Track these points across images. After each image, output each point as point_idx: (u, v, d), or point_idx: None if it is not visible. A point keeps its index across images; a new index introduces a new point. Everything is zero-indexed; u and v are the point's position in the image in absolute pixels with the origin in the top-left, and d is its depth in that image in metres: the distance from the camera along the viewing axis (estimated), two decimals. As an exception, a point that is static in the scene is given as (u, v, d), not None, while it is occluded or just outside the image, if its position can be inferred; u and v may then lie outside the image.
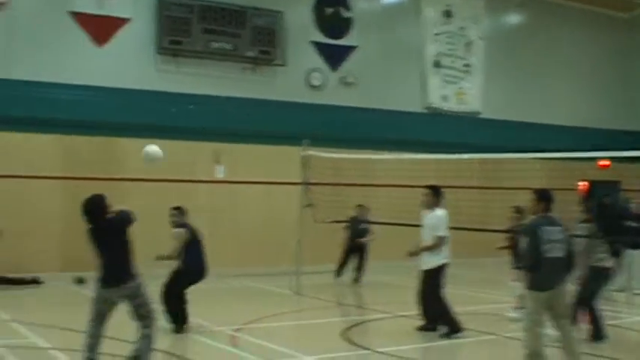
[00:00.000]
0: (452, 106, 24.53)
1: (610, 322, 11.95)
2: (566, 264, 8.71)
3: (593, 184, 27.34)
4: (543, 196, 8.82)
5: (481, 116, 25.11)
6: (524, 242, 8.76)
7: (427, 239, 11.49)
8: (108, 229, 8.51)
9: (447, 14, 24.79)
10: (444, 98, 24.39)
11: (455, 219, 17.84)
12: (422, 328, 11.66)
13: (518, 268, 11.94)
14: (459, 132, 23.85)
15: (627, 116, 28.58)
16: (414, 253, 11.61)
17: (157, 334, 8.78)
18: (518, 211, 13.22)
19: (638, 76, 29.00)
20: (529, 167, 21.44)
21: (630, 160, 24.61)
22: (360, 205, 18.38)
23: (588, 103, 27.86)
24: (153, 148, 10.64)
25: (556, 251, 8.55)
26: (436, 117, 24.20)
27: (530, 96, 26.25)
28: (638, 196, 27.71)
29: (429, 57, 24.28)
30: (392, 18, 23.81)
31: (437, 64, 24.35)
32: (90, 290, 15.82)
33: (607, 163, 25.59)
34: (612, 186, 27.97)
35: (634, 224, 16.74)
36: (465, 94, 24.84)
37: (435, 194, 11.70)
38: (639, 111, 28.74)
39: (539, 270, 8.52)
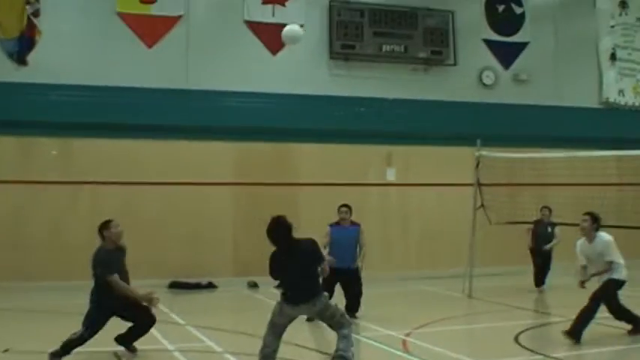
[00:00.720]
0: (629, 100, 23.78)
1: None
2: None
3: None
4: None
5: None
6: None
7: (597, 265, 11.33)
8: (301, 251, 8.90)
9: (623, 5, 24.06)
10: (621, 92, 23.68)
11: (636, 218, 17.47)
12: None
13: None
14: (637, 127, 23.07)
15: None
16: (583, 283, 11.50)
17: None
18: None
19: None
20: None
21: None
22: (545, 207, 17.77)
23: None
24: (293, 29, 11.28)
25: None
26: (613, 112, 23.50)
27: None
28: None
29: (605, 50, 23.63)
30: (565, 12, 23.29)
31: (613, 57, 23.66)
32: (262, 295, 16.54)
33: None
34: None
35: None
36: (642, 87, 24.05)
37: (594, 221, 11.48)
38: None
39: None
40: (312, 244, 9.06)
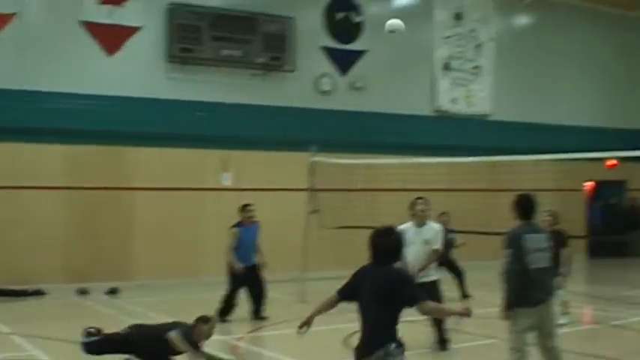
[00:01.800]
0: (461, 108, 24.61)
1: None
2: (551, 274, 8.40)
3: (600, 185, 27.47)
4: (524, 202, 8.32)
5: (490, 118, 25.17)
6: (505, 253, 8.16)
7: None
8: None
9: (458, 16, 24.87)
10: (454, 101, 24.48)
11: (463, 222, 18.12)
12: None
13: (560, 274, 11.99)
14: (468, 135, 23.94)
15: (635, 115, 28.56)
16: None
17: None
18: (553, 215, 13.08)
19: (640, 75, 28.98)
20: (539, 169, 21.51)
21: (637, 159, 24.83)
22: (443, 213, 17.07)
23: (597, 102, 27.88)
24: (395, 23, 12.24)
25: (542, 261, 8.15)
26: (445, 120, 24.27)
27: (539, 97, 26.31)
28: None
29: (439, 60, 24.37)
30: (403, 21, 23.74)
31: (446, 67, 24.44)
32: (92, 301, 16.24)
33: (614, 162, 25.59)
34: (618, 186, 28.12)
35: None
36: (475, 96, 24.90)
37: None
38: None
39: (525, 283, 8.02)
40: None
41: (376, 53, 23.11)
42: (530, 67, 26.25)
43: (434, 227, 11.33)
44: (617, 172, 26.56)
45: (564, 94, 27.09)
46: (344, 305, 6.65)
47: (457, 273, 17.14)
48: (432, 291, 10.22)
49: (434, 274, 11.20)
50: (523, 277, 7.99)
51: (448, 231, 16.02)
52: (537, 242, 8.10)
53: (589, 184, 27.00)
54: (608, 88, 28.39)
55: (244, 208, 14.46)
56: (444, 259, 15.50)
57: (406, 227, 10.83)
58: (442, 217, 16.54)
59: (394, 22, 12.06)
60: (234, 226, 14.33)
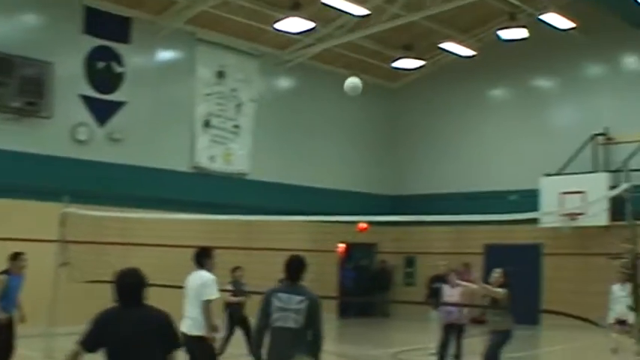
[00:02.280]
0: (219, 166, 24.70)
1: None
2: (298, 336, 8.04)
3: (352, 247, 28.43)
4: (288, 262, 8.36)
5: (249, 177, 25.43)
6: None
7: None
8: None
9: (220, 75, 25.05)
10: (212, 158, 24.52)
11: (219, 280, 18.04)
12: None
13: None
14: (225, 193, 24.01)
15: (390, 182, 29.89)
16: None
17: None
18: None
19: (401, 144, 30.48)
20: (293, 229, 21.94)
21: (387, 224, 26.02)
22: (238, 268, 16.78)
23: (354, 167, 28.96)
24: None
25: (288, 321, 8.03)
26: (203, 177, 24.25)
27: (297, 159, 26.94)
28: (392, 258, 29.16)
29: (199, 116, 24.38)
30: (165, 76, 23.76)
31: (206, 124, 24.49)
32: None
33: (365, 226, 26.60)
34: (369, 248, 29.28)
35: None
36: (233, 155, 25.10)
37: None
38: (401, 177, 30.13)
39: (269, 340, 8.12)
40: None
41: (136, 105, 22.82)
42: (289, 130, 26.90)
43: (203, 276, 10.99)
44: (368, 235, 27.60)
45: (322, 158, 27.91)
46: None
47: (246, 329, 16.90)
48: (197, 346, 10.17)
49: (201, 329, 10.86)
50: (266, 334, 8.13)
51: (241, 285, 16.39)
52: (287, 302, 8.05)
53: (341, 246, 27.84)
54: (365, 154, 29.60)
55: (17, 256, 13.69)
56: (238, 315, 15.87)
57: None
58: (236, 272, 16.60)
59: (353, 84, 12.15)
60: (2, 273, 13.51)
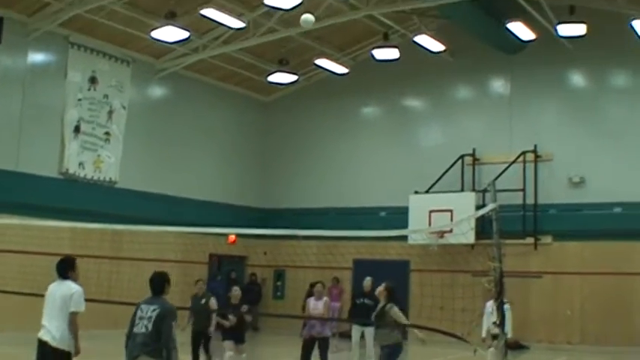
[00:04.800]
0: (89, 173, 24.17)
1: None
2: (146, 341, 8.92)
3: (222, 259, 28.34)
4: (151, 279, 9.34)
5: (118, 186, 24.99)
6: None
7: None
8: None
9: (93, 80, 24.57)
10: (81, 165, 23.98)
11: (85, 290, 17.65)
12: None
13: None
14: (94, 200, 23.49)
15: (259, 194, 29.92)
16: None
17: None
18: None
19: (273, 157, 30.58)
20: (163, 240, 21.73)
21: (257, 237, 26.08)
22: (200, 280, 16.71)
23: (225, 179, 28.89)
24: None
25: (141, 328, 8.94)
26: (72, 184, 23.68)
27: (169, 169, 26.67)
28: (262, 271, 29.18)
29: (70, 122, 23.79)
30: (35, 78, 23.12)
31: (77, 130, 23.93)
32: None
33: (234, 238, 26.59)
34: (239, 261, 29.24)
35: (367, 301, 17.06)
36: (103, 162, 24.62)
37: None
38: (272, 190, 30.20)
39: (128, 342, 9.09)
40: None
41: (4, 107, 22.25)
42: (161, 139, 26.62)
43: (71, 287, 10.47)
44: (238, 248, 27.55)
45: (194, 168, 27.74)
46: None
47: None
48: None
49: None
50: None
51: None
52: (145, 312, 9.02)
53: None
54: (237, 166, 29.59)
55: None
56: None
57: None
58: (199, 285, 16.48)
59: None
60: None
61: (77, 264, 10.56)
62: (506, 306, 14.53)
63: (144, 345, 8.84)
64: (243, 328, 15.37)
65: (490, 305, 15.19)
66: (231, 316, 14.91)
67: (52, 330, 10.20)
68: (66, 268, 10.45)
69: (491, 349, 15.43)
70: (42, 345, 10.09)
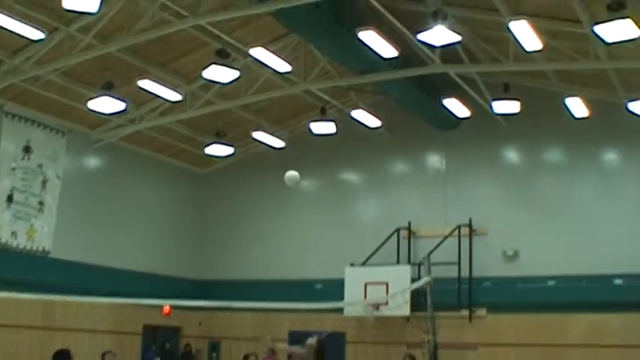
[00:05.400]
0: (21, 243, 23.79)
1: None
2: None
3: (156, 330, 27.98)
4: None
5: (51, 256, 24.59)
6: None
7: None
8: None
9: (27, 150, 24.33)
10: (14, 234, 23.63)
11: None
12: None
13: None
14: (27, 270, 23.08)
15: (195, 266, 29.74)
16: None
17: None
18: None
19: (209, 229, 30.48)
20: (96, 311, 21.44)
21: (192, 309, 25.90)
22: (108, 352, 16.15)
23: (161, 250, 28.63)
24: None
25: None
26: (5, 253, 23.23)
27: (103, 239, 26.37)
28: (197, 342, 28.89)
29: (3, 191, 23.43)
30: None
31: (9, 199, 23.60)
32: None
33: (169, 309, 26.38)
34: (174, 332, 28.91)
35: None
36: (36, 232, 24.26)
37: None
38: (208, 262, 30.03)
39: None
40: None
41: None
42: (96, 209, 26.33)
43: None
44: (172, 319, 27.26)
45: (129, 240, 27.45)
46: None
47: None
48: None
49: None
50: None
51: None
52: None
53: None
54: (173, 237, 29.38)
55: None
56: None
57: None
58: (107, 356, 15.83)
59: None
60: None
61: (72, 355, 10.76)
62: None
63: None
64: None
65: None
66: None
67: None
68: None
69: None
70: None
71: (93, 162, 27.15)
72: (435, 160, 27.76)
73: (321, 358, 12.74)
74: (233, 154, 28.67)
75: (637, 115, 22.47)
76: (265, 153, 29.41)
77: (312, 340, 13.74)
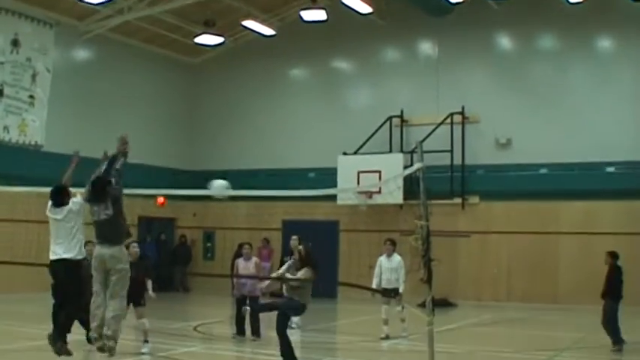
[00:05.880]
0: (13, 137, 23.76)
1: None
2: None
3: (151, 221, 28.22)
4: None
5: (44, 149, 24.58)
6: None
7: None
8: None
9: (15, 43, 24.09)
10: (6, 129, 23.57)
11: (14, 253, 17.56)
12: None
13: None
14: (21, 164, 23.12)
15: (186, 157, 29.75)
16: None
17: None
18: None
19: (201, 119, 30.42)
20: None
21: (186, 198, 26.04)
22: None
23: (153, 141, 28.53)
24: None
25: None
26: (-1, 147, 23.30)
27: (95, 131, 26.17)
28: (191, 232, 29.16)
29: (-7, 85, 23.39)
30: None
31: (0, 94, 23.48)
32: None
33: (163, 200, 26.50)
34: (169, 223, 29.14)
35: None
36: (28, 125, 24.22)
37: None
38: (200, 152, 30.04)
39: None
40: None
41: None
42: (87, 101, 26.30)
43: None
44: (167, 210, 27.45)
45: (120, 130, 27.01)
46: None
47: None
48: None
49: None
50: None
51: None
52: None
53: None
54: (164, 128, 29.38)
55: None
56: None
57: None
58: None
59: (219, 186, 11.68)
60: None
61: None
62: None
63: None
64: (141, 290, 13.40)
65: (384, 260, 15.96)
66: None
67: (59, 250, 10.95)
68: (63, 197, 10.78)
69: (398, 308, 15.91)
70: (54, 264, 10.95)
71: (82, 54, 26.92)
72: (427, 48, 27.53)
73: (308, 261, 12.81)
74: (223, 43, 28.38)
75: (632, -1, 22.21)
76: (256, 42, 29.12)
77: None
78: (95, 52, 27.07)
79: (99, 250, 9.82)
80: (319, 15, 25.22)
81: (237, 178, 26.86)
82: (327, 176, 25.20)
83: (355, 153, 26.36)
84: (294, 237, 17.61)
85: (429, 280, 10.65)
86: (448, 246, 23.82)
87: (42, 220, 21.12)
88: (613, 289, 14.92)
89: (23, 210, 20.84)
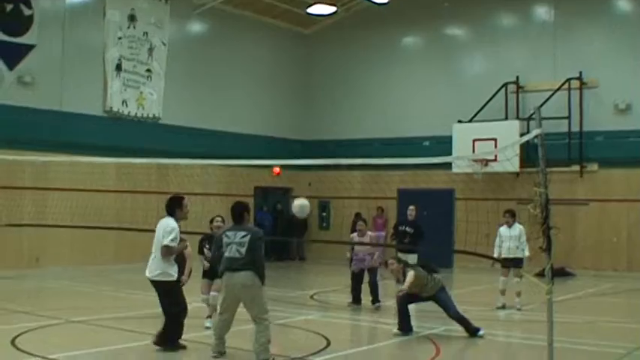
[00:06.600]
0: (132, 110, 24.35)
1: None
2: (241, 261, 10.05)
3: (267, 191, 28.54)
4: (232, 209, 10.40)
5: (161, 122, 25.13)
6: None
7: None
8: None
9: (132, 18, 24.63)
10: (125, 103, 24.16)
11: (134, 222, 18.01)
12: None
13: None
14: (138, 137, 23.72)
15: (300, 127, 29.93)
16: None
17: None
18: None
19: (314, 90, 30.53)
20: (207, 173, 21.95)
21: (301, 168, 26.24)
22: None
23: (267, 112, 28.95)
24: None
25: (234, 252, 10.07)
26: (116, 121, 23.89)
27: (210, 103, 26.81)
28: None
29: (111, 60, 23.94)
30: (75, 19, 23.22)
31: (118, 68, 24.07)
32: None
33: (279, 170, 26.75)
34: (284, 193, 29.44)
35: (408, 229, 17.81)
36: (146, 99, 24.77)
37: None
38: (314, 122, 30.20)
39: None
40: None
41: (47, 49, 22.34)
42: (202, 74, 26.70)
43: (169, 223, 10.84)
44: (282, 180, 27.74)
45: (235, 102, 27.79)
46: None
47: None
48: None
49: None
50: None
51: None
52: (232, 238, 10.15)
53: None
54: (278, 99, 29.62)
55: None
56: None
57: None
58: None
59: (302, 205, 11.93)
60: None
61: (185, 202, 10.99)
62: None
63: (241, 264, 9.98)
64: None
65: (504, 230, 15.77)
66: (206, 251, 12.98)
67: (151, 264, 10.85)
68: (172, 206, 10.88)
69: (516, 279, 15.70)
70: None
71: (196, 27, 27.32)
72: (542, 12, 26.84)
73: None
74: (335, 12, 28.35)
75: None
76: (368, 10, 28.99)
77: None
78: (209, 25, 27.45)
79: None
80: (433, -19, 24.95)
81: (352, 148, 27.10)
82: (442, 144, 25.00)
83: (470, 121, 26.04)
84: (412, 207, 17.67)
85: (548, 249, 10.46)
86: (566, 214, 23.35)
87: (160, 191, 21.78)
88: None
89: (142, 182, 21.42)
